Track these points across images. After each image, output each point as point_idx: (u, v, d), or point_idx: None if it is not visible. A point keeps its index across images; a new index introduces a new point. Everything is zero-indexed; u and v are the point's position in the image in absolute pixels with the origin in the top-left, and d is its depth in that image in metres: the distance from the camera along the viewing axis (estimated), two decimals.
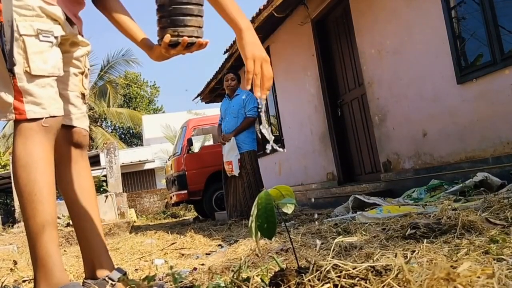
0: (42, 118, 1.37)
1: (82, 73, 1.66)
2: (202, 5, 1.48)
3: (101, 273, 1.58)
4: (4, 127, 24.02)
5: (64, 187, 1.62)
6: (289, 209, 1.05)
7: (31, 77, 1.36)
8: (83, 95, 1.67)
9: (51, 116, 1.39)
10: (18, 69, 1.35)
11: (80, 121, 1.65)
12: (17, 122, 1.37)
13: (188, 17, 1.45)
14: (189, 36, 1.45)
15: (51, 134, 1.41)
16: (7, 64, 1.33)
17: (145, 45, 1.64)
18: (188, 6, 1.44)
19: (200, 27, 1.48)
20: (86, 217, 1.61)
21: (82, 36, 1.63)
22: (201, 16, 1.49)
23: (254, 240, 1.06)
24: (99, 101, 23.77)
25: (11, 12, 1.34)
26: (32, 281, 2.21)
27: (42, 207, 1.34)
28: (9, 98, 1.36)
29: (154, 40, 1.58)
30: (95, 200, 1.66)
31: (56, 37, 1.44)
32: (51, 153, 1.42)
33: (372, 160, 5.55)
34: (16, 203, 10.87)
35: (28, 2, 1.38)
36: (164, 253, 3.10)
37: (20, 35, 1.35)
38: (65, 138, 1.60)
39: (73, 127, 1.62)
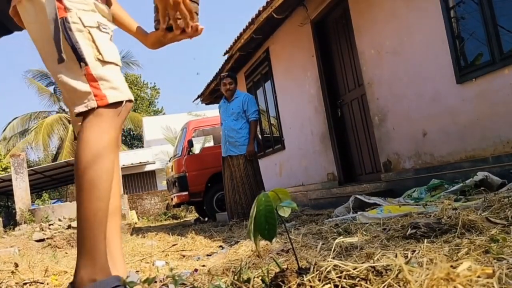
0: (122, 102, 1.38)
1: None
2: None
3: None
4: (4, 130, 24.06)
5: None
6: (285, 212, 1.05)
7: (104, 63, 1.38)
8: None
9: (129, 100, 1.41)
10: (89, 58, 1.36)
11: None
12: (97, 109, 1.36)
13: None
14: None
15: (122, 121, 1.42)
16: (76, 57, 1.35)
17: (140, 33, 1.66)
18: None
19: (196, 13, 1.49)
20: (111, 221, 1.56)
21: None
22: (197, 3, 1.50)
23: (253, 242, 1.07)
24: None
25: (54, 10, 1.36)
26: (33, 283, 2.21)
27: (98, 194, 1.33)
28: (85, 87, 1.36)
29: (149, 30, 1.62)
30: (120, 203, 1.65)
31: (112, 31, 1.48)
32: (116, 142, 1.43)
33: (373, 160, 5.55)
34: (17, 205, 10.87)
35: None
36: (165, 255, 3.11)
37: (85, 27, 1.38)
38: None
39: None
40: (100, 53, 1.38)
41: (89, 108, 1.36)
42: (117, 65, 1.44)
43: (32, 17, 1.40)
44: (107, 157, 1.36)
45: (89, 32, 1.38)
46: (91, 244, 1.32)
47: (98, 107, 1.36)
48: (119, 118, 1.40)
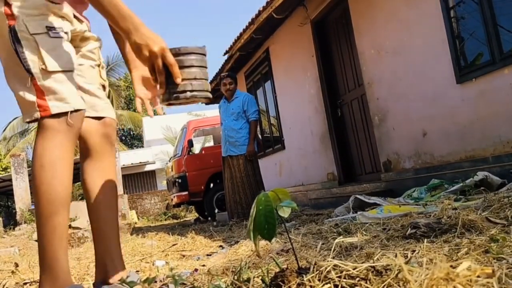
0: (67, 113, 1.38)
1: (98, 66, 1.68)
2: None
3: (115, 277, 1.53)
4: (4, 130, 24.06)
5: (89, 184, 1.59)
6: (285, 212, 1.05)
7: (49, 73, 1.37)
8: (103, 86, 1.68)
9: (75, 110, 1.39)
10: (35, 68, 1.36)
11: (107, 112, 1.65)
12: (41, 120, 1.36)
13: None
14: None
15: (73, 132, 1.41)
16: (24, 67, 1.35)
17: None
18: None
19: (196, 78, 1.40)
20: (107, 219, 1.58)
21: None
22: (200, 66, 1.42)
23: (253, 242, 1.07)
24: None
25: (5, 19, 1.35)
26: (33, 283, 2.21)
27: (55, 209, 1.33)
28: (31, 97, 1.36)
29: None
30: (117, 202, 1.64)
31: (66, 33, 1.45)
32: (72, 153, 1.41)
33: (373, 160, 5.56)
34: (18, 205, 10.88)
35: (34, 1, 1.39)
36: (165, 255, 3.11)
37: (31, 35, 1.36)
38: (94, 130, 1.59)
39: (101, 118, 1.61)
40: (43, 63, 1.36)
41: (33, 118, 1.36)
42: (67, 71, 1.41)
43: None
44: (59, 172, 1.35)
45: (35, 40, 1.36)
46: (52, 260, 1.32)
47: (42, 117, 1.35)
48: (68, 131, 1.38)
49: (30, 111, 1.37)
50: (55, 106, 1.36)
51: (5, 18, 1.35)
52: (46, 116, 1.35)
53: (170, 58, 1.33)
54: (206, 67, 1.43)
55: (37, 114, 1.35)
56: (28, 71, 1.35)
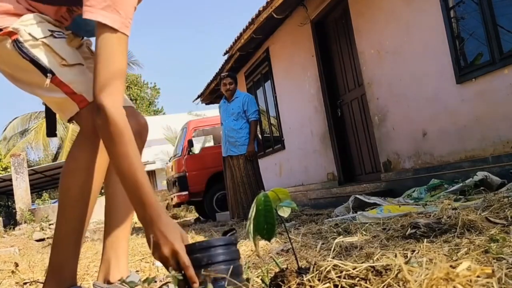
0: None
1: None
2: None
3: (115, 276, 1.53)
4: (4, 130, 24.07)
5: (112, 183, 1.57)
6: (285, 212, 1.05)
7: (71, 67, 1.39)
8: None
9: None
10: (55, 67, 1.37)
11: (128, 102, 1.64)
12: (81, 111, 1.37)
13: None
14: None
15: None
16: (41, 70, 1.36)
17: None
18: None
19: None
20: (122, 222, 1.58)
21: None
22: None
23: (252, 243, 1.07)
24: None
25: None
26: (33, 283, 2.21)
27: (78, 215, 1.35)
28: (61, 95, 1.37)
29: None
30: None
31: (66, 34, 1.47)
32: (105, 157, 1.37)
33: (372, 160, 5.56)
34: (18, 205, 10.88)
35: (28, 15, 1.41)
36: None
37: (38, 39, 1.38)
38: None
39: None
40: (63, 59, 1.38)
41: (74, 113, 1.37)
42: (82, 64, 1.44)
43: (4, 57, 1.40)
44: (92, 178, 1.36)
45: (44, 43, 1.38)
46: (61, 263, 1.34)
47: (81, 108, 1.37)
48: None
49: (67, 108, 1.38)
50: (87, 93, 1.37)
51: (6, 40, 1.37)
52: (85, 106, 1.36)
53: (183, 260, 1.13)
54: (237, 259, 1.17)
55: (76, 107, 1.36)
56: (49, 71, 1.36)
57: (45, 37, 1.39)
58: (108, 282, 1.53)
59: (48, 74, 1.36)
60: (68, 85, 1.37)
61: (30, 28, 1.38)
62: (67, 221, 1.34)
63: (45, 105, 1.56)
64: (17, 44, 1.36)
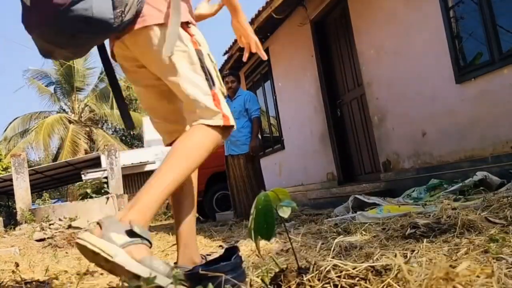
0: (233, 126, 1.54)
1: None
2: None
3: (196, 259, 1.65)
4: (5, 130, 24.06)
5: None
6: (285, 212, 1.05)
7: (221, 93, 1.56)
8: None
9: (231, 126, 1.54)
10: (217, 87, 1.54)
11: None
12: (220, 127, 1.50)
13: None
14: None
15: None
16: (208, 83, 1.52)
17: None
18: None
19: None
20: (191, 213, 1.71)
21: None
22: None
23: (254, 242, 1.07)
24: (99, 103, 23.76)
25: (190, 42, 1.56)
26: (33, 283, 2.22)
27: (185, 170, 1.43)
28: (215, 107, 1.50)
29: None
30: (195, 191, 1.77)
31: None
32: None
33: (372, 160, 5.56)
34: (18, 205, 10.87)
35: (194, 28, 1.61)
36: (165, 254, 3.11)
37: (212, 62, 1.58)
38: None
39: None
40: (221, 85, 1.58)
41: (216, 124, 1.49)
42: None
43: (161, 42, 1.52)
44: (201, 155, 1.49)
45: (214, 68, 1.58)
46: (151, 202, 1.37)
47: (224, 125, 1.50)
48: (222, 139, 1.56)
49: (212, 117, 1.49)
50: (230, 118, 1.52)
51: (189, 37, 1.54)
52: (227, 125, 1.50)
53: (254, 46, 1.82)
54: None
55: (221, 122, 1.49)
56: (214, 84, 1.53)
57: (212, 62, 1.59)
58: (194, 263, 1.61)
59: (211, 86, 1.52)
60: (220, 104, 1.52)
61: (206, 49, 1.58)
62: (182, 169, 1.42)
63: (117, 99, 1.74)
64: (198, 55, 1.53)
